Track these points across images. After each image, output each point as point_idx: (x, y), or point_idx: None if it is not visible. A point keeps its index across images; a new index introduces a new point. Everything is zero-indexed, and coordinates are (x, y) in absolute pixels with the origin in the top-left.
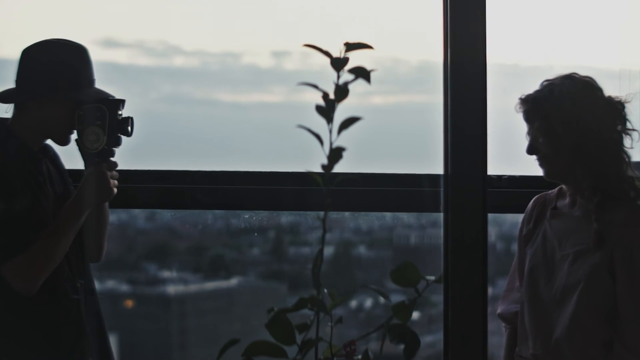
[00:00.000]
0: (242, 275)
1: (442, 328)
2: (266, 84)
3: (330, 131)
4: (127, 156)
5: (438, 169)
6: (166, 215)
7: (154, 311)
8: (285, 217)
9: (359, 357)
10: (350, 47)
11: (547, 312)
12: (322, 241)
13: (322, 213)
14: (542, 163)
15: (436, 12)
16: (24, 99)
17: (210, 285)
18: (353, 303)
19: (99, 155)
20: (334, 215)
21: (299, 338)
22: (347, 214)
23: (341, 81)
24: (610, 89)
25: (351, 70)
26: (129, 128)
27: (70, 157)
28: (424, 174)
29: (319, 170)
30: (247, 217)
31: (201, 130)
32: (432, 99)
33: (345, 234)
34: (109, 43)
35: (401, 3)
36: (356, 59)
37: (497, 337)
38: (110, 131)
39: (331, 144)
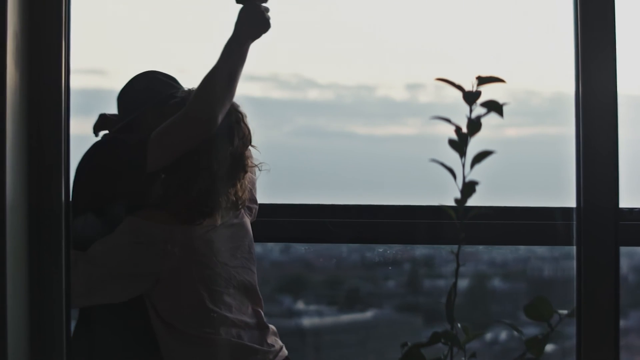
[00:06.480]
0: (378, 307)
1: None
2: (401, 116)
3: (463, 165)
4: (265, 190)
5: (571, 201)
6: (300, 248)
7: (289, 343)
8: (420, 250)
9: None
10: (482, 80)
11: None
12: (456, 275)
13: (455, 247)
14: None
15: (568, 44)
16: (132, 118)
17: (346, 317)
18: (488, 336)
19: None
20: (467, 248)
21: None
22: (480, 246)
23: (474, 115)
24: None
25: (484, 104)
26: None
27: None
28: (557, 207)
29: (452, 204)
30: (381, 250)
31: (336, 163)
32: (565, 131)
33: (480, 266)
34: (245, 77)
35: (533, 36)
36: (489, 91)
37: None
38: None
39: (464, 177)
